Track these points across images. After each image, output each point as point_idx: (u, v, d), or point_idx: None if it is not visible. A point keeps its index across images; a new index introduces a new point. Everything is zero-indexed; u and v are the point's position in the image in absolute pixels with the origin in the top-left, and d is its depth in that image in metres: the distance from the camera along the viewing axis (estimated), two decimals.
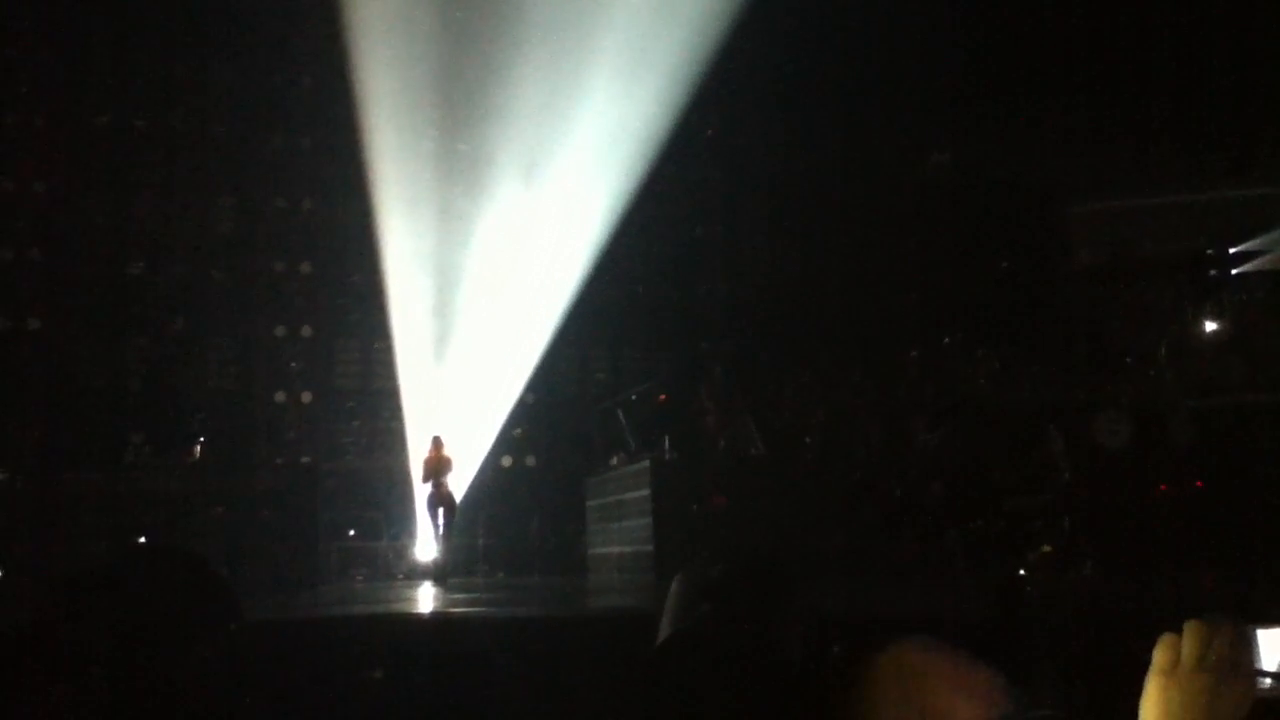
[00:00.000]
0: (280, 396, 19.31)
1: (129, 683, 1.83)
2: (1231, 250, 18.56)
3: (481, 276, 19.06)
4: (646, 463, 15.13)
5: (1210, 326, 16.94)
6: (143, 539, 14.45)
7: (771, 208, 20.60)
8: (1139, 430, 12.96)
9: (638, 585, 13.45)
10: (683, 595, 2.95)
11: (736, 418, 16.10)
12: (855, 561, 12.26)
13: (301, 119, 19.66)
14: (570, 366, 20.23)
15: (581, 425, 19.70)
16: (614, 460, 17.07)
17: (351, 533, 18.54)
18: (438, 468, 15.75)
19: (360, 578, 17.79)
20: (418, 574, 17.11)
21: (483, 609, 10.72)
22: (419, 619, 10.17)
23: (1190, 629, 1.49)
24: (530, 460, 20.02)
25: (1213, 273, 18.44)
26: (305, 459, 18.60)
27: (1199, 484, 12.38)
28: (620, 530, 15.88)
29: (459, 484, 16.92)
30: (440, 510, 15.77)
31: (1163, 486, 12.54)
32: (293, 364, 19.54)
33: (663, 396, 17.64)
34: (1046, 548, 11.29)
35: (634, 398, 17.73)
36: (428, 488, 15.88)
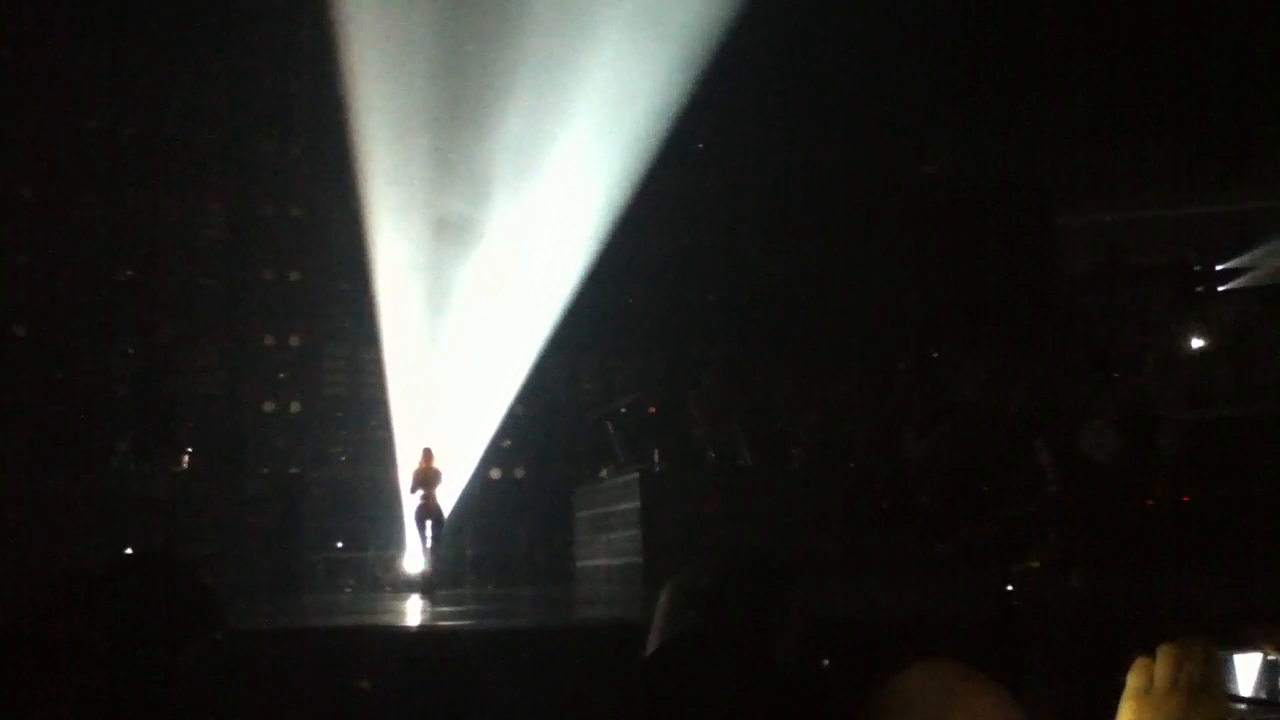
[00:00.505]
0: (268, 405, 19.25)
1: (115, 687, 1.81)
2: (1221, 264, 18.67)
3: (471, 286, 19.03)
4: (635, 474, 15.11)
5: (1200, 339, 17.03)
6: (130, 546, 14.38)
7: (763, 214, 20.63)
8: (1127, 441, 13.00)
9: (626, 597, 13.43)
10: (671, 604, 2.93)
11: (726, 428, 16.10)
12: (844, 569, 12.25)
13: (291, 126, 19.64)
14: (560, 377, 20.21)
15: (571, 437, 19.68)
16: (603, 472, 17.04)
17: (339, 543, 18.48)
18: (426, 479, 15.70)
19: (347, 588, 17.73)
20: (405, 585, 17.05)
21: (471, 621, 10.68)
22: (406, 631, 10.14)
23: (1163, 652, 1.51)
24: (519, 472, 19.98)
25: (1202, 286, 18.55)
26: (293, 468, 18.53)
27: (1185, 499, 12.42)
28: (609, 542, 15.86)
29: (448, 495, 16.88)
30: (428, 522, 15.72)
31: (1149, 502, 12.57)
32: (281, 372, 19.49)
33: (652, 408, 17.63)
34: (1034, 563, 11.30)
35: (623, 409, 17.73)
36: (416, 499, 15.84)
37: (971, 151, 19.67)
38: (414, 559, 17.01)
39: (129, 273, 19.04)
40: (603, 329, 19.91)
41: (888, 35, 18.36)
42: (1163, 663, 1.50)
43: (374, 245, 18.65)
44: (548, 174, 18.80)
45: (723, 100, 19.46)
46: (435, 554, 16.12)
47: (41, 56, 18.64)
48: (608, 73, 18.16)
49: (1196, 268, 18.72)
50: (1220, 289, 18.40)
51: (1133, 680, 1.51)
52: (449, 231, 18.76)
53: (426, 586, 15.78)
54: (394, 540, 18.00)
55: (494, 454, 19.48)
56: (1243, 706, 1.47)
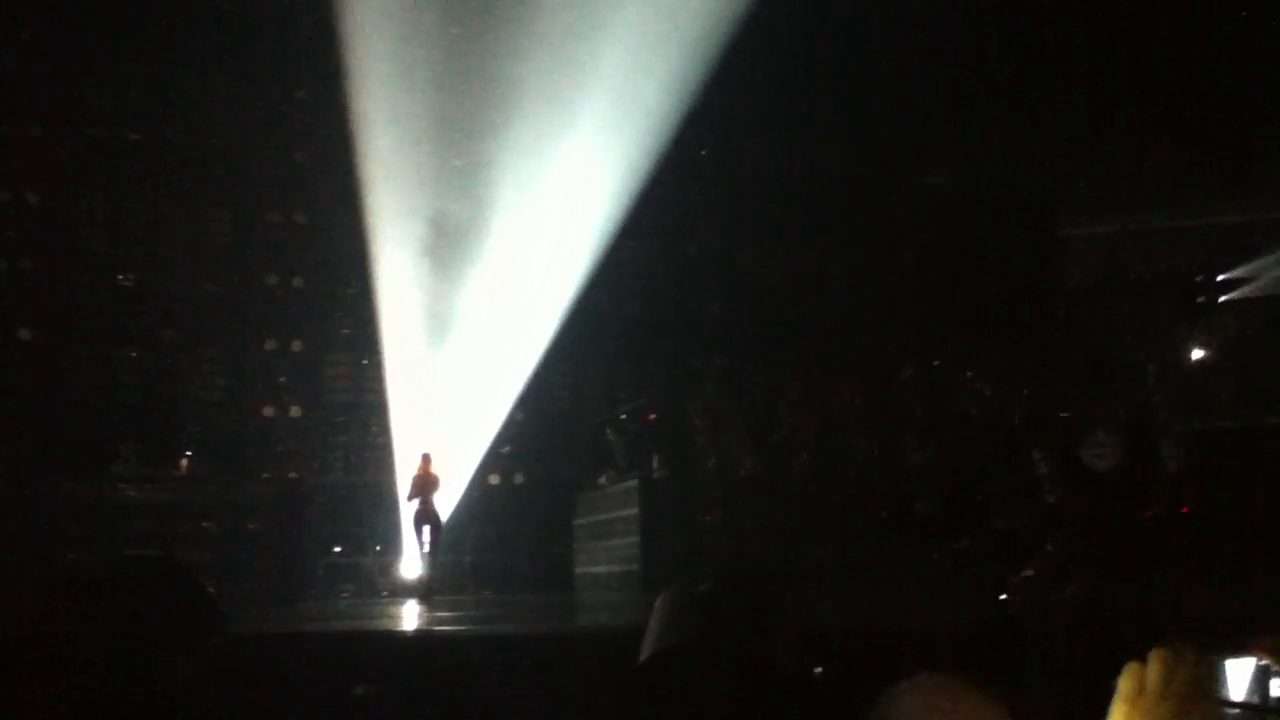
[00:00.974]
0: (269, 410, 19.25)
1: (113, 692, 1.83)
2: (1223, 274, 18.68)
3: (473, 292, 19.05)
4: (635, 481, 15.12)
5: (1201, 349, 17.03)
6: (131, 550, 14.37)
7: (764, 223, 20.63)
8: (1128, 451, 13.01)
9: (625, 603, 13.43)
10: (668, 611, 2.95)
11: (727, 435, 16.11)
12: (843, 577, 12.25)
13: (295, 133, 19.65)
14: (560, 384, 20.20)
15: (570, 443, 19.68)
16: (603, 478, 17.05)
17: (338, 548, 18.48)
18: (425, 485, 15.72)
19: (346, 593, 17.73)
20: (404, 590, 17.05)
21: (468, 626, 10.68)
22: (404, 636, 10.15)
23: (1155, 657, 1.51)
24: (519, 478, 19.97)
25: (1203, 296, 18.55)
26: (293, 474, 18.53)
27: (1185, 509, 12.42)
28: (608, 548, 15.87)
29: (447, 501, 16.88)
30: (426, 527, 15.74)
31: (1148, 511, 12.57)
32: (282, 378, 19.49)
33: (652, 415, 17.64)
34: (1029, 572, 11.29)
35: (623, 416, 17.74)
36: (413, 505, 15.85)
37: (973, 160, 19.69)
38: (413, 564, 17.02)
39: (132, 278, 19.06)
40: (603, 336, 19.91)
41: (889, 43, 18.39)
42: (1154, 667, 1.50)
43: (377, 251, 18.67)
44: (550, 180, 18.81)
45: (725, 108, 19.49)
46: (434, 559, 16.13)
47: (46, 63, 18.68)
48: (611, 80, 18.18)
49: (1198, 278, 18.73)
50: (1222, 299, 18.40)
51: (1124, 685, 1.51)
52: (448, 235, 18.78)
53: (425, 592, 15.78)
54: (393, 546, 18.00)
55: (493, 460, 19.47)
56: (1235, 711, 1.48)
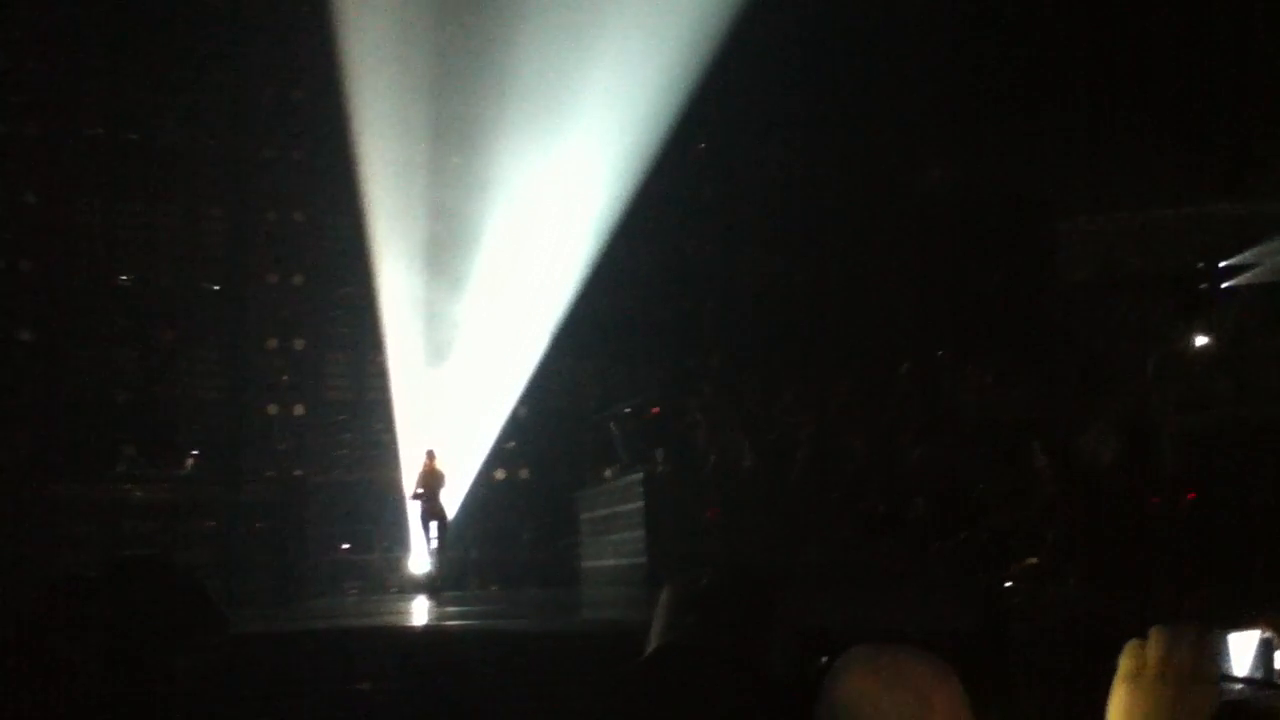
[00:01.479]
0: (272, 408, 19.26)
1: (114, 692, 1.83)
2: (1220, 265, 18.63)
3: (474, 289, 19.05)
4: (639, 475, 15.13)
5: (1199, 341, 17.00)
6: (133, 551, 14.39)
7: (763, 221, 20.61)
8: (1125, 446, 13.00)
9: (631, 598, 13.44)
10: (670, 606, 2.95)
11: (728, 430, 16.12)
12: (844, 572, 12.26)
13: (293, 130, 19.64)
14: (563, 379, 20.20)
15: (574, 438, 19.69)
16: (607, 473, 17.06)
17: (344, 546, 18.50)
18: (430, 481, 15.75)
19: (353, 591, 17.75)
20: (410, 587, 17.08)
21: (475, 622, 10.70)
22: (411, 632, 10.16)
23: (1155, 635, 1.50)
24: (523, 473, 19.99)
25: (1202, 287, 18.51)
26: (297, 471, 18.55)
27: (1190, 495, 12.41)
28: (613, 543, 15.87)
29: (452, 497, 16.89)
30: (433, 523, 15.77)
31: (1154, 499, 12.56)
32: (284, 376, 19.49)
33: (655, 409, 17.65)
34: (1031, 560, 11.31)
35: (627, 411, 17.74)
36: (419, 501, 15.88)
37: (968, 156, 19.65)
38: (419, 561, 17.05)
39: (131, 277, 19.06)
40: (605, 331, 19.91)
41: (885, 41, 18.35)
42: (1154, 646, 1.49)
43: (377, 248, 18.67)
44: (550, 176, 18.80)
45: (723, 107, 19.45)
46: (441, 555, 16.16)
47: (42, 64, 18.67)
48: (610, 78, 18.16)
49: (1196, 267, 18.69)
50: (1218, 290, 18.37)
51: (1125, 663, 1.51)
52: (448, 231, 18.77)
53: (431, 588, 15.82)
54: (399, 542, 18.02)
55: (498, 456, 19.49)
56: (1239, 687, 1.47)
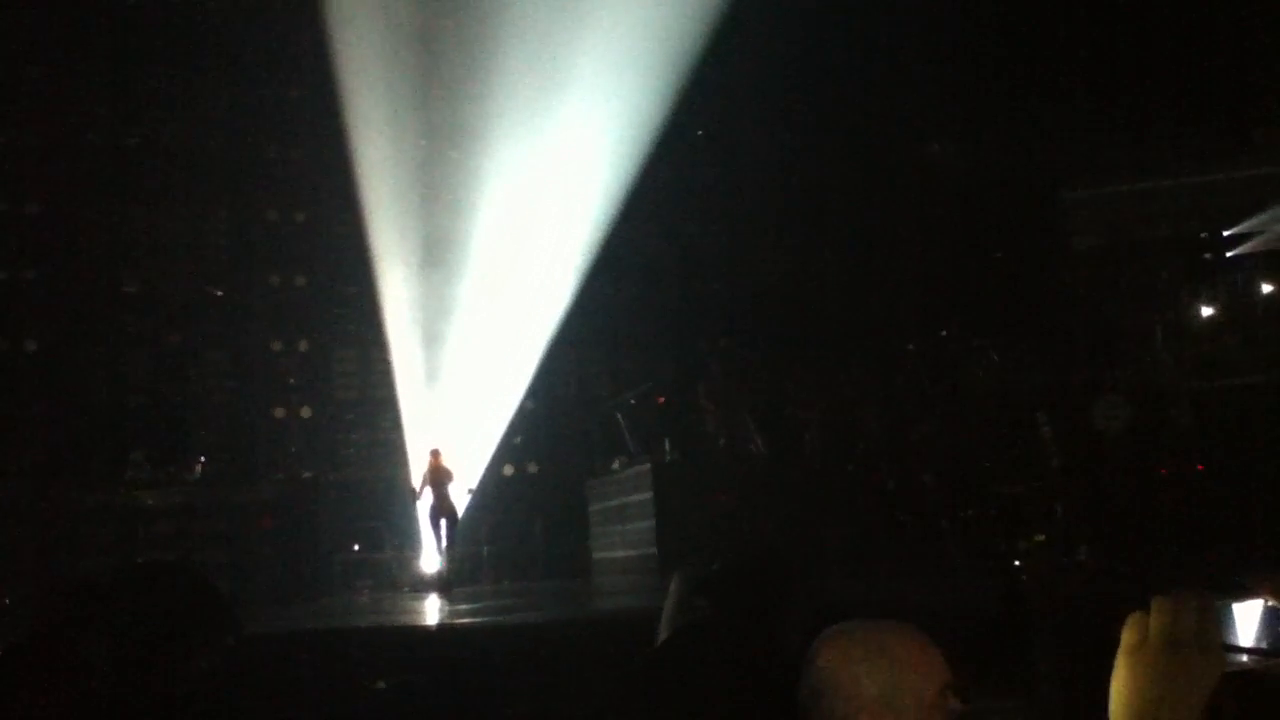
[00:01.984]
0: (279, 410, 19.30)
1: (127, 696, 1.84)
2: (1226, 232, 18.58)
3: (477, 283, 19.05)
4: (648, 465, 15.14)
5: (1207, 309, 16.96)
6: (146, 555, 14.45)
7: (766, 203, 20.56)
8: (1136, 414, 12.98)
9: (642, 587, 13.46)
10: (681, 593, 2.96)
11: (736, 416, 16.12)
12: (855, 555, 12.27)
13: (293, 131, 19.64)
14: (569, 371, 20.20)
15: (582, 430, 19.70)
16: (615, 463, 17.07)
17: (355, 545, 18.54)
18: (437, 478, 15.77)
19: (365, 589, 17.79)
20: (422, 584, 17.12)
21: (487, 617, 10.72)
22: (424, 628, 10.18)
23: (1157, 605, 1.48)
24: (532, 467, 20.00)
25: (1208, 255, 18.46)
26: (306, 472, 18.58)
27: (1200, 466, 12.40)
28: (623, 533, 15.90)
29: (461, 494, 16.91)
30: (443, 520, 15.79)
31: (1163, 470, 12.55)
32: (291, 377, 19.52)
33: (661, 398, 17.64)
34: (1040, 537, 11.30)
35: (633, 400, 17.74)
36: (427, 499, 15.90)
37: (972, 129, 19.59)
38: (430, 558, 17.08)
39: (136, 283, 19.08)
40: (609, 321, 19.90)
41: (887, 19, 18.27)
42: (1157, 616, 1.47)
43: (379, 246, 18.67)
44: (552, 167, 18.78)
45: (726, 91, 19.39)
46: (451, 552, 16.18)
47: (42, 72, 18.68)
48: (612, 67, 18.11)
49: (1202, 235, 18.64)
50: (1225, 258, 18.32)
51: (1127, 635, 1.49)
52: (449, 227, 18.76)
53: (443, 584, 15.85)
54: (410, 540, 18.06)
55: (506, 450, 19.51)
56: (1244, 657, 1.47)
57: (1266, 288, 17.03)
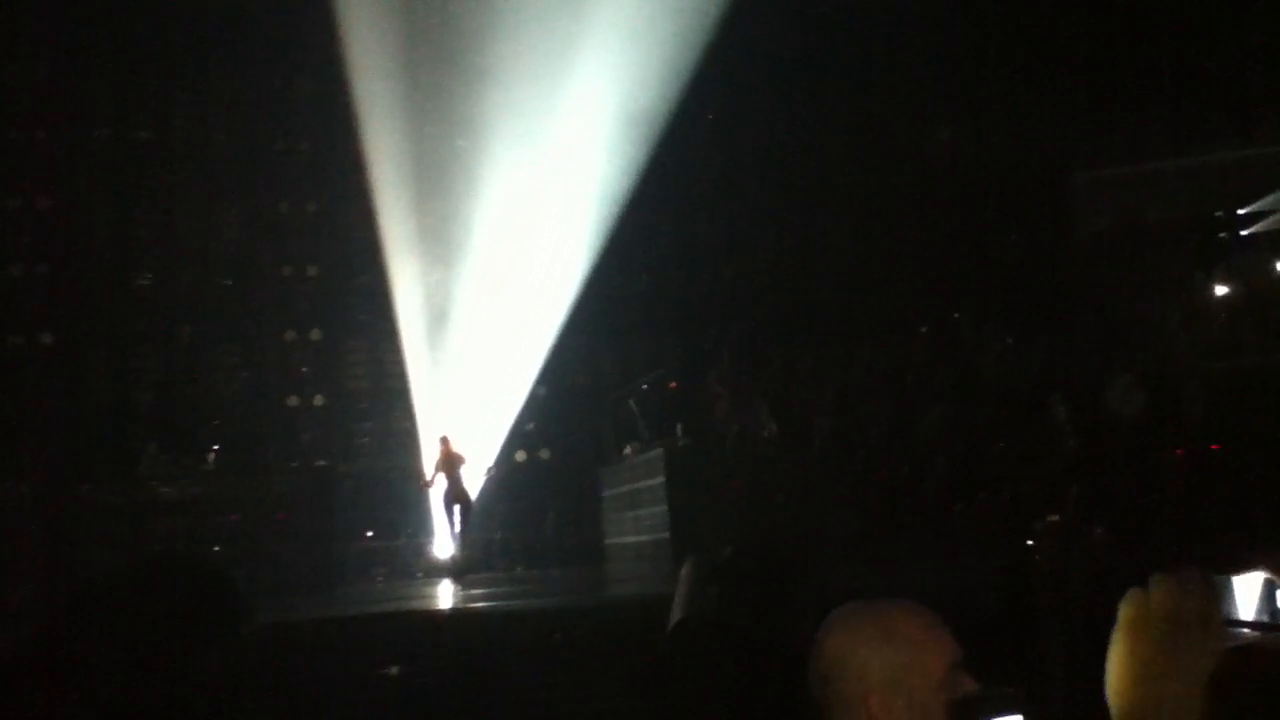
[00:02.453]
0: (292, 400, 19.36)
1: (141, 688, 1.85)
2: (1239, 212, 18.47)
3: (488, 271, 19.06)
4: (660, 450, 15.14)
5: (1220, 289, 16.88)
6: (162, 548, 14.51)
7: (775, 190, 20.52)
8: (1149, 396, 12.94)
9: (655, 573, 13.48)
10: (692, 579, 2.98)
11: (748, 401, 16.10)
12: (866, 540, 12.27)
13: (302, 122, 19.66)
14: (580, 357, 20.20)
15: (594, 416, 19.71)
16: (628, 449, 17.08)
17: (369, 533, 18.60)
18: (449, 464, 15.81)
19: (380, 577, 17.86)
20: (436, 571, 17.18)
21: (500, 603, 10.76)
22: (439, 615, 10.23)
23: (1157, 583, 1.47)
24: (544, 453, 20.04)
25: (1220, 235, 18.37)
26: (320, 462, 18.64)
27: (1214, 447, 12.36)
28: (636, 519, 15.91)
29: (474, 480, 16.95)
30: (456, 507, 15.85)
31: (1179, 451, 12.51)
32: (303, 368, 19.58)
33: (673, 384, 17.64)
34: (1054, 517, 11.26)
35: (645, 386, 17.73)
36: (440, 487, 15.95)
37: (979, 114, 19.49)
38: (444, 545, 17.13)
39: (148, 277, 19.14)
40: (620, 307, 19.90)
41: (890, 2, 18.18)
42: (1157, 593, 1.46)
43: (389, 236, 18.68)
44: (560, 156, 18.76)
45: (733, 78, 19.32)
46: (465, 539, 16.24)
47: (48, 68, 18.70)
48: (618, 55, 18.08)
49: (1214, 215, 18.54)
50: (1237, 238, 18.23)
51: (1126, 611, 1.48)
52: (458, 215, 18.76)
53: (458, 571, 15.91)
54: (424, 527, 18.11)
55: (518, 437, 19.54)
56: (1245, 631, 1.46)
57: (1278, 267, 16.94)
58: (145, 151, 19.22)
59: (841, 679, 1.81)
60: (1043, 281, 17.90)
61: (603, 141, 18.61)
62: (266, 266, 19.60)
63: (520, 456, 19.73)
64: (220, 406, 18.92)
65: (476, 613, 9.88)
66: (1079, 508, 11.63)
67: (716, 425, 16.15)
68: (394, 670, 6.76)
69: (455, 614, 10.05)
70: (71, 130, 18.91)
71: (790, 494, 13.45)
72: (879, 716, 1.77)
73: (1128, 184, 19.06)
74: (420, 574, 17.70)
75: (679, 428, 15.82)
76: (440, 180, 18.87)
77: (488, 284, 19.06)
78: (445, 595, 13.10)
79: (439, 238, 18.91)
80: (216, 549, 14.70)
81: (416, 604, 11.92)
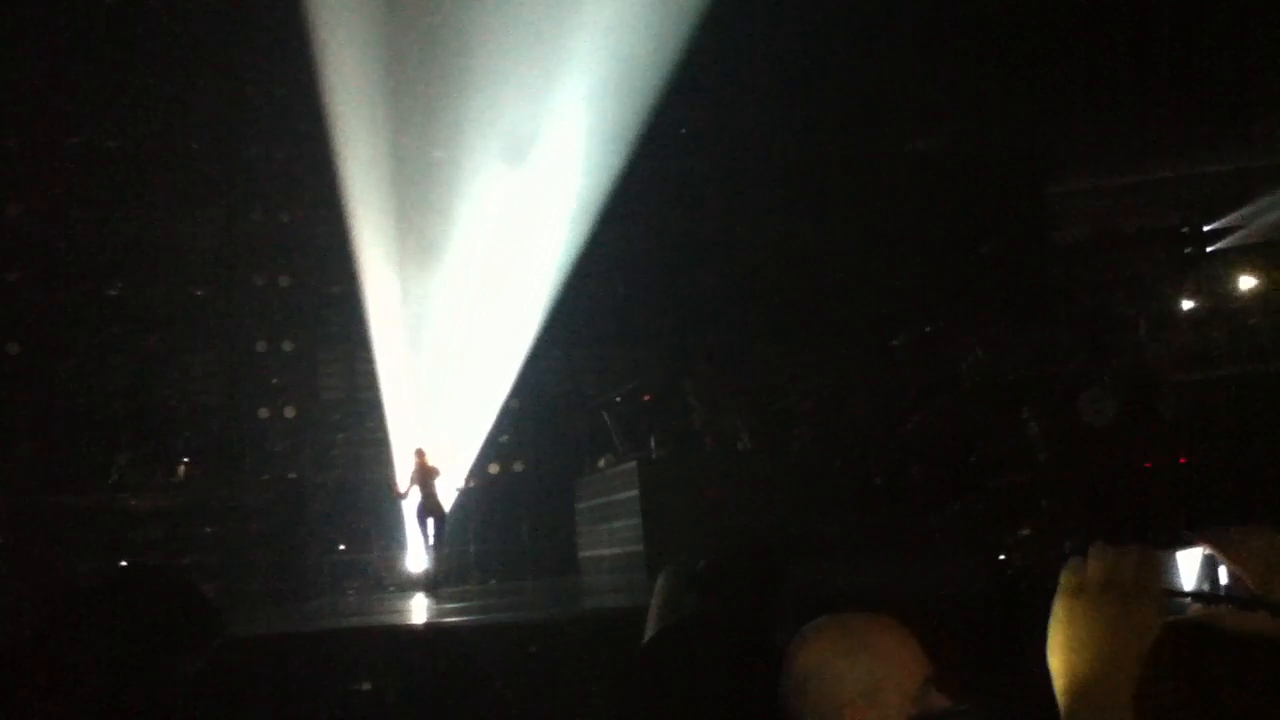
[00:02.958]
0: (264, 411, 19.21)
1: (114, 700, 1.83)
2: (1210, 225, 18.69)
3: (461, 282, 19.01)
4: (634, 463, 15.13)
5: (1193, 300, 17.06)
6: (132, 558, 14.38)
7: (753, 195, 20.54)
8: (1123, 405, 13.04)
9: (629, 585, 13.47)
10: (669, 589, 2.96)
11: (722, 412, 16.12)
12: (841, 551, 12.27)
13: (275, 131, 19.55)
14: (554, 369, 20.18)
15: (568, 428, 19.68)
16: (602, 462, 17.06)
17: (341, 546, 18.49)
18: (425, 477, 15.75)
19: (352, 590, 17.76)
20: (409, 584, 17.09)
21: (475, 616, 10.71)
22: (412, 629, 10.16)
23: (1095, 551, 1.48)
24: (518, 465, 19.98)
25: (1193, 247, 18.57)
26: (292, 474, 18.52)
27: (1182, 460, 12.46)
28: (610, 531, 15.89)
29: (448, 493, 16.88)
30: (430, 520, 15.77)
31: (1145, 466, 12.61)
32: (275, 379, 19.44)
33: (647, 395, 17.64)
34: (1025, 531, 11.33)
35: (619, 398, 17.73)
36: (414, 499, 15.88)
37: (961, 121, 19.62)
38: (417, 558, 17.05)
39: (119, 285, 18.97)
40: (594, 318, 19.89)
41: (878, 4, 18.25)
42: (1094, 561, 1.47)
43: (362, 246, 18.59)
44: (535, 165, 18.76)
45: (710, 83, 19.34)
46: (438, 551, 16.16)
47: (20, 75, 18.54)
48: (595, 62, 18.09)
49: (1187, 228, 18.73)
50: (1212, 249, 18.42)
51: (1066, 580, 1.48)
52: (432, 226, 18.71)
53: (431, 584, 15.83)
54: (397, 540, 18.02)
55: (492, 449, 19.48)
56: (1187, 600, 1.48)
57: (1251, 280, 17.14)
58: (116, 159, 19.05)
59: (816, 692, 1.81)
60: (1022, 288, 18.04)
61: (579, 150, 18.62)
62: (239, 276, 19.46)
63: (494, 468, 19.66)
64: (192, 417, 18.76)
65: (450, 626, 9.82)
66: (1056, 516, 11.69)
67: (691, 437, 16.16)
68: (366, 685, 6.72)
69: (428, 628, 9.99)
70: (42, 138, 18.74)
71: (766, 503, 13.45)
72: None
73: (1104, 194, 19.25)
74: (393, 587, 17.60)
75: (653, 440, 15.82)
76: (415, 190, 18.81)
77: (462, 295, 19.01)
78: (419, 609, 13.02)
79: (413, 248, 18.84)
80: (187, 561, 14.57)
81: (389, 618, 11.85)
